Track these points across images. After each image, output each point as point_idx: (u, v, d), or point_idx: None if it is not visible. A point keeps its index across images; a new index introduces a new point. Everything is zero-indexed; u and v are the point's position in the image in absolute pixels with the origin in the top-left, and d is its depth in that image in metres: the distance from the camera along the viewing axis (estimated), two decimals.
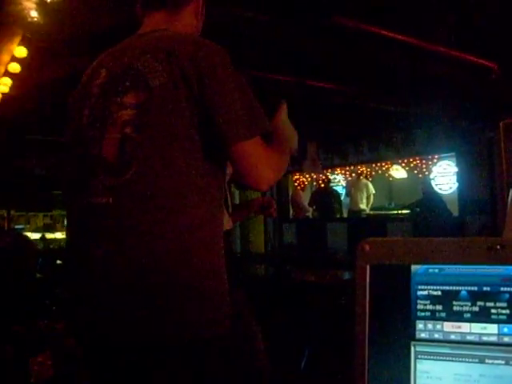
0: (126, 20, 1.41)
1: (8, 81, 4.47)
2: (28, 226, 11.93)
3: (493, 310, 0.52)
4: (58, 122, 1.33)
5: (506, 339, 0.51)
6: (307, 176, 11.10)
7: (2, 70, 4.35)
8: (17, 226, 11.45)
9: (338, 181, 12.16)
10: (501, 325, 0.51)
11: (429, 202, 7.73)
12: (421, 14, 3.77)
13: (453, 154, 8.50)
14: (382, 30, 3.96)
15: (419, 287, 0.55)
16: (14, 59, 4.15)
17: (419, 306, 0.54)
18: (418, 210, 7.94)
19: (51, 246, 9.71)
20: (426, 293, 0.54)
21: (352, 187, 10.60)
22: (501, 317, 0.51)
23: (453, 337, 0.53)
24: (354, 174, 10.92)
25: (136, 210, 1.12)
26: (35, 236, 10.91)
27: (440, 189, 9.77)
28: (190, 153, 1.14)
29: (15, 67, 4.22)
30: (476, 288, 0.53)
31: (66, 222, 1.36)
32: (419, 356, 0.54)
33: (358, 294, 0.56)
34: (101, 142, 1.16)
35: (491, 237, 0.55)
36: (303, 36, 4.11)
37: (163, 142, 1.13)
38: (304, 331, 3.69)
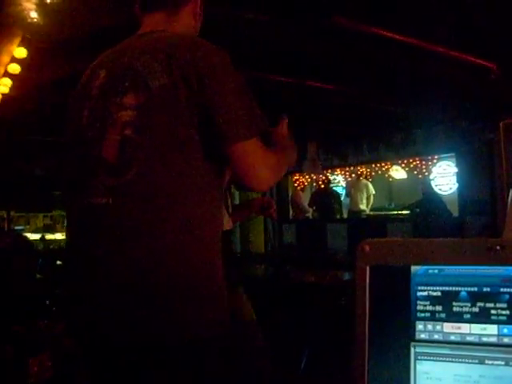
0: (125, 20, 1.41)
1: (8, 81, 4.48)
2: (28, 226, 11.94)
3: (493, 311, 0.52)
4: (58, 123, 1.33)
5: (506, 340, 0.51)
6: (307, 177, 11.09)
7: (2, 71, 4.35)
8: (17, 227, 11.45)
9: (338, 181, 12.16)
10: (501, 325, 0.51)
11: (429, 202, 7.73)
12: (420, 14, 3.77)
13: (453, 154, 8.50)
14: (382, 30, 3.96)
15: (419, 288, 0.55)
16: (13, 60, 4.15)
17: (419, 307, 0.54)
18: (418, 210, 7.94)
19: (51, 247, 9.72)
20: (425, 293, 0.54)
21: (352, 188, 10.60)
22: (501, 317, 0.51)
23: (453, 337, 0.53)
24: (353, 175, 10.92)
25: (136, 210, 1.12)
26: (35, 237, 10.92)
27: (440, 189, 9.76)
28: (190, 153, 1.14)
29: (15, 68, 4.22)
30: (476, 289, 0.53)
31: (65, 223, 1.36)
32: (419, 357, 0.54)
33: (358, 295, 0.56)
34: (101, 143, 1.16)
35: (491, 237, 0.55)
36: (303, 36, 4.11)
37: (163, 142, 1.13)
38: (304, 332, 3.69)
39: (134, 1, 1.35)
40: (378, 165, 10.38)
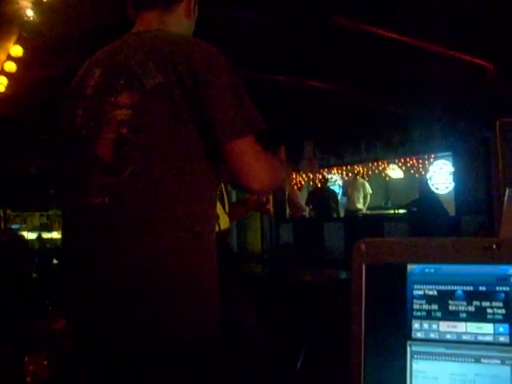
0: (122, 19, 1.41)
1: (4, 80, 4.46)
2: (24, 225, 11.92)
3: (488, 310, 0.52)
4: (53, 121, 1.33)
5: (502, 339, 0.51)
6: (304, 175, 11.10)
7: None
8: (13, 226, 11.43)
9: (335, 180, 12.17)
10: (496, 324, 0.51)
11: (425, 201, 7.74)
12: (418, 14, 3.78)
13: (449, 153, 8.51)
14: (380, 30, 3.96)
15: (415, 287, 0.55)
16: (9, 58, 4.13)
17: (415, 306, 0.54)
18: (415, 209, 7.96)
19: (48, 246, 9.71)
20: (421, 292, 0.54)
21: (349, 187, 10.61)
22: (496, 316, 0.51)
23: (448, 336, 0.53)
24: (350, 174, 10.94)
25: (134, 208, 1.12)
26: (32, 235, 10.91)
27: (437, 188, 9.79)
28: (186, 152, 1.14)
29: (11, 66, 4.21)
30: (472, 288, 0.53)
31: (61, 221, 1.36)
32: (415, 356, 0.54)
33: (354, 294, 0.56)
34: (96, 142, 1.16)
35: (487, 236, 0.55)
36: (303, 36, 4.11)
37: (159, 141, 1.13)
38: (301, 330, 3.69)
39: (127, 1, 1.35)
40: (375, 164, 10.40)
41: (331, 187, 11.22)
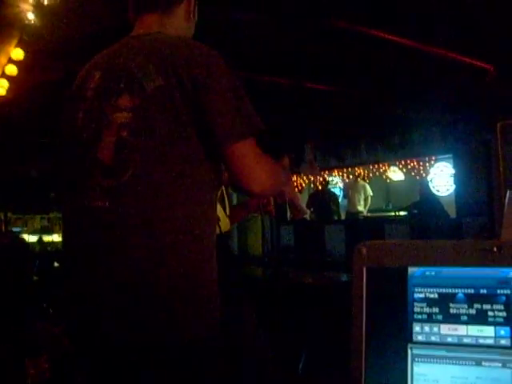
0: (122, 22, 1.41)
1: (5, 83, 4.47)
2: (25, 228, 11.92)
3: (489, 313, 0.52)
4: (55, 124, 1.33)
5: (503, 342, 0.51)
6: (305, 178, 11.10)
7: None
8: (14, 229, 11.43)
9: (336, 183, 12.17)
10: (497, 327, 0.51)
11: (426, 203, 7.74)
12: (418, 16, 3.78)
13: (450, 155, 8.51)
14: (380, 32, 3.97)
15: (416, 290, 0.55)
16: (10, 61, 4.14)
17: (416, 309, 0.54)
18: (416, 211, 7.95)
19: (48, 249, 9.71)
20: (422, 295, 0.54)
21: (350, 189, 10.60)
22: (497, 319, 0.51)
23: (449, 339, 0.53)
24: (351, 176, 10.93)
25: (135, 210, 1.12)
26: (32, 238, 10.91)
27: (438, 190, 9.78)
28: (187, 155, 1.15)
29: (12, 69, 4.21)
30: (473, 290, 0.53)
31: (62, 224, 1.36)
32: (416, 359, 0.54)
33: (355, 296, 0.56)
34: (96, 145, 1.16)
35: (488, 239, 0.55)
36: (303, 38, 4.12)
37: (159, 144, 1.13)
38: (301, 333, 3.68)
39: (128, 3, 1.36)
40: (376, 166, 10.40)
41: (332, 189, 11.22)
